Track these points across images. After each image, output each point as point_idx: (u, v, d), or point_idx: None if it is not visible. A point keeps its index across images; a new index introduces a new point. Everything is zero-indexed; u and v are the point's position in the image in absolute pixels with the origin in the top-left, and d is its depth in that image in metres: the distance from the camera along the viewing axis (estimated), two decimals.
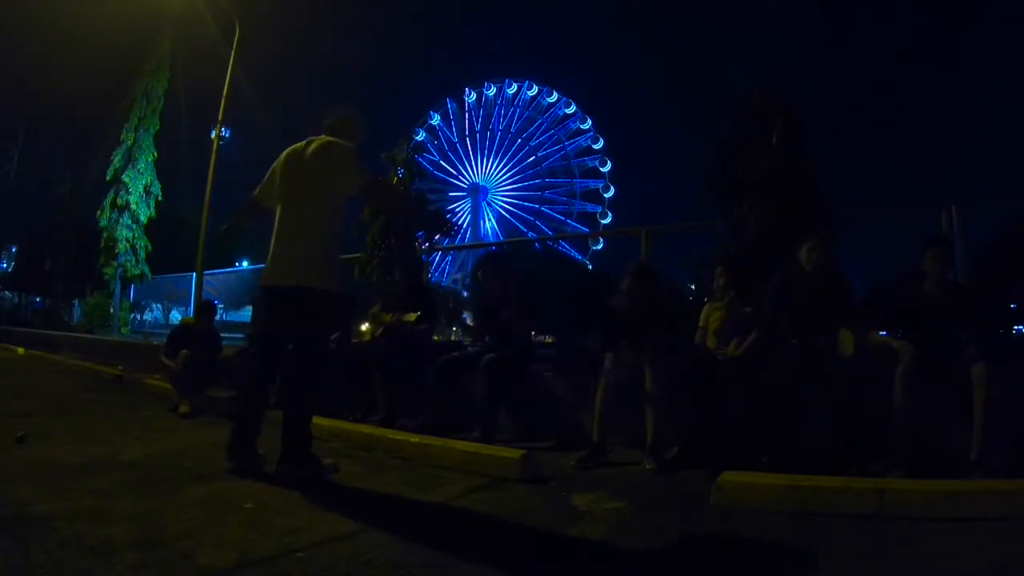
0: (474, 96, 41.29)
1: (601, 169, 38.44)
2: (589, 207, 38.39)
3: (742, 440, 3.03)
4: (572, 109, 39.84)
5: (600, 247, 28.59)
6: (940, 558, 1.82)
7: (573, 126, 39.74)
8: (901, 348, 2.90)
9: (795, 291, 3.22)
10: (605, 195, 38.01)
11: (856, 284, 3.56)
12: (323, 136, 2.93)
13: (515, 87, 40.76)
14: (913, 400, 2.78)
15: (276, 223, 2.85)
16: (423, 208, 2.81)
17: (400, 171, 6.62)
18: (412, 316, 4.39)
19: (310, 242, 2.76)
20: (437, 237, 6.77)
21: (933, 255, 3.05)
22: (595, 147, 39.03)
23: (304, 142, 2.92)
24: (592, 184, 38.74)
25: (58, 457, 2.88)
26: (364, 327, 4.83)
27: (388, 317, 4.52)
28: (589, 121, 39.50)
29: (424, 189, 8.08)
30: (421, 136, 39.97)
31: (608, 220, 36.99)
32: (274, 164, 2.98)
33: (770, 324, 3.22)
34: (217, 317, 6.27)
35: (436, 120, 41.08)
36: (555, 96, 40.01)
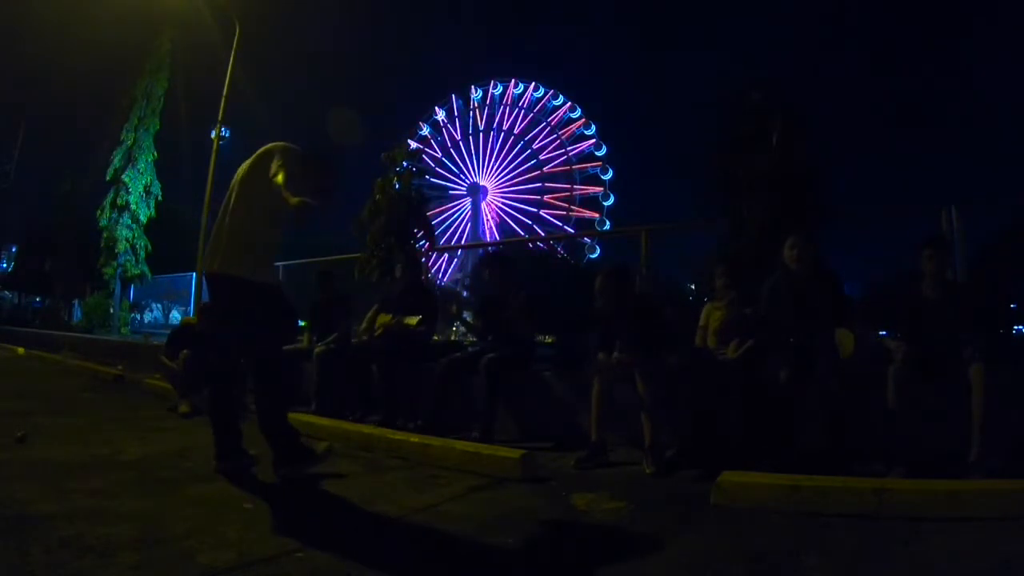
0: (480, 94, 41.09)
1: (602, 176, 38.06)
2: (588, 214, 38.09)
3: (742, 440, 3.03)
4: (577, 114, 39.48)
5: (596, 256, 28.54)
6: (940, 558, 1.82)
7: (577, 131, 39.42)
8: (895, 348, 2.91)
9: (786, 293, 3.22)
10: (605, 203, 37.52)
11: (855, 284, 3.55)
12: (271, 143, 2.88)
13: (521, 87, 40.44)
14: (907, 400, 2.78)
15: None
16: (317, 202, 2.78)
17: (403, 164, 6.63)
18: (413, 320, 4.37)
19: (233, 236, 2.73)
20: (430, 237, 6.79)
21: (929, 255, 3.05)
22: (598, 154, 38.64)
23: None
24: (592, 191, 38.50)
25: (58, 457, 2.89)
26: (363, 327, 4.82)
27: (387, 318, 4.51)
28: (593, 127, 39.04)
29: (424, 186, 8.04)
30: (426, 131, 39.81)
31: (606, 228, 36.72)
32: None
33: (766, 327, 3.22)
34: None
35: (441, 116, 40.83)
36: (561, 99, 39.70)
